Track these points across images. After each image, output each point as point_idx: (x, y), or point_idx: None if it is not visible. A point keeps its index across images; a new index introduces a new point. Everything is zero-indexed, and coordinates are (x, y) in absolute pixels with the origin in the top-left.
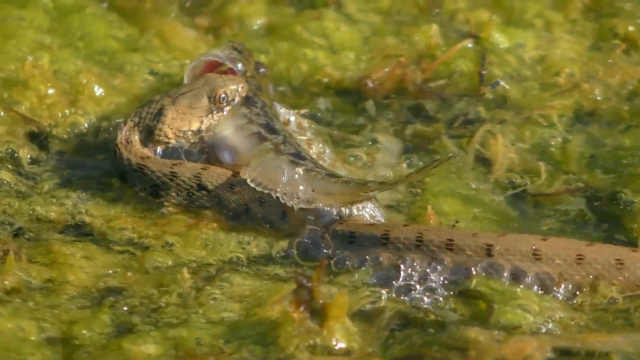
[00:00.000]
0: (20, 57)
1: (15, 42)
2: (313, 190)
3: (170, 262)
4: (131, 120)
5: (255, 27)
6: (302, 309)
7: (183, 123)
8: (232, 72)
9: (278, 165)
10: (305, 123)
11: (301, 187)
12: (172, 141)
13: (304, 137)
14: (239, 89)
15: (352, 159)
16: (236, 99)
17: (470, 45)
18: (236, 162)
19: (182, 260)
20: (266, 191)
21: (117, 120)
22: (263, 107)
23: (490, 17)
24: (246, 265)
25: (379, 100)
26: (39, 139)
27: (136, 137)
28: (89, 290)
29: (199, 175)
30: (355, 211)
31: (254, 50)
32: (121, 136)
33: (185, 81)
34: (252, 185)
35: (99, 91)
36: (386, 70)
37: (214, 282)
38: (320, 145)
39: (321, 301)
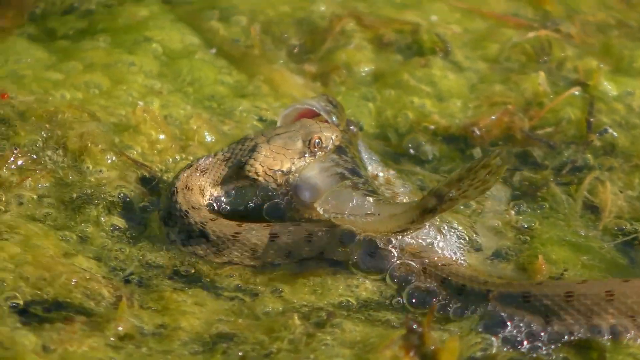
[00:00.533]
0: (130, 102)
1: (125, 87)
2: (379, 214)
3: (280, 308)
4: (206, 160)
5: (363, 73)
6: (412, 354)
7: (275, 162)
8: (325, 122)
9: (350, 196)
10: (394, 179)
11: (367, 212)
12: (260, 179)
13: (390, 192)
14: (334, 137)
15: (460, 207)
16: (329, 146)
17: (578, 93)
18: (315, 199)
19: (293, 305)
20: (332, 216)
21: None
22: (352, 157)
23: (599, 65)
24: (356, 310)
25: (486, 147)
26: (150, 184)
27: (198, 183)
28: (200, 336)
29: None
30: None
31: (360, 98)
32: (180, 182)
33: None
34: (322, 212)
35: (209, 137)
36: (493, 117)
37: (325, 328)
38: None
39: (432, 347)
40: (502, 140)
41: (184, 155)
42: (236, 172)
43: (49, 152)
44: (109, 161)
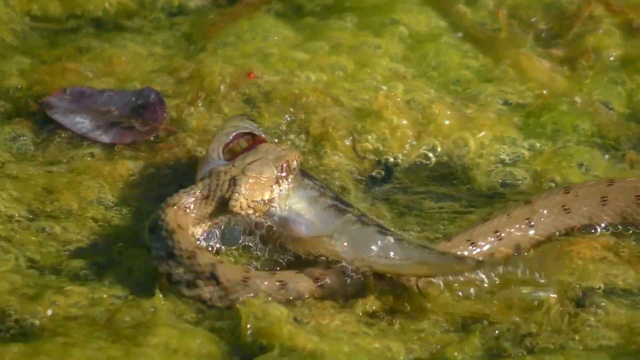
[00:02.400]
0: (374, 86)
1: (369, 71)
2: (408, 259)
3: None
4: (187, 198)
5: (611, 58)
6: None
7: (256, 193)
8: (262, 141)
9: (367, 235)
10: None
11: (394, 255)
12: (243, 212)
13: None
14: (297, 157)
15: None
16: (296, 167)
17: None
18: (313, 234)
19: (549, 287)
20: (357, 262)
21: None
22: (321, 180)
23: None
24: (619, 295)
25: None
26: (376, 170)
27: (187, 222)
28: (451, 317)
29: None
30: None
31: (609, 82)
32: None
33: (215, 156)
34: (342, 256)
35: (447, 121)
36: None
37: (588, 309)
38: None
39: None
40: None
41: (422, 141)
42: (218, 209)
43: (291, 136)
44: (346, 146)
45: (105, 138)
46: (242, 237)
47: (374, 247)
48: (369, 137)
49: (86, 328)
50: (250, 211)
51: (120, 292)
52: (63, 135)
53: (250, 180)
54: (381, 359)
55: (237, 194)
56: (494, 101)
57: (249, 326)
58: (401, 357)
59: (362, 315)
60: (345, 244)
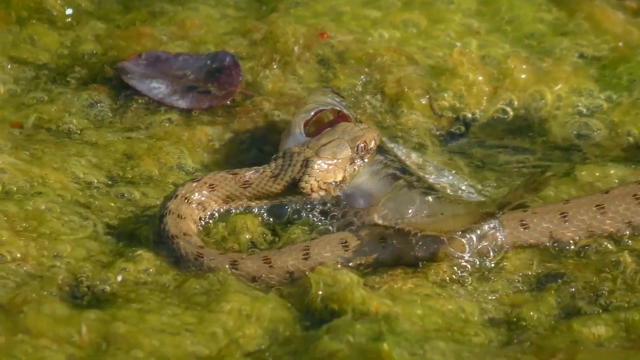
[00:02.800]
0: (448, 42)
1: (443, 27)
2: (442, 214)
3: (610, 247)
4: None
5: None
6: None
7: (329, 175)
8: (344, 117)
9: (410, 198)
10: (422, 161)
11: (429, 212)
12: (314, 194)
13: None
14: (375, 137)
15: None
16: (373, 147)
17: None
18: (370, 205)
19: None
20: (393, 223)
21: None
22: (395, 155)
23: None
24: None
25: None
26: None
27: (188, 211)
28: (525, 276)
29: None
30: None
31: None
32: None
33: (297, 131)
34: (380, 222)
35: (523, 75)
36: None
37: None
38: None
39: None
40: None
41: (498, 96)
42: (286, 189)
43: (367, 97)
44: (422, 105)
45: (182, 103)
46: (289, 213)
47: (411, 208)
48: (445, 94)
49: (158, 294)
50: (322, 192)
51: None
52: (140, 101)
53: (323, 163)
54: (455, 321)
55: (307, 176)
56: (569, 54)
57: (319, 292)
58: (475, 318)
59: (434, 279)
60: (387, 210)
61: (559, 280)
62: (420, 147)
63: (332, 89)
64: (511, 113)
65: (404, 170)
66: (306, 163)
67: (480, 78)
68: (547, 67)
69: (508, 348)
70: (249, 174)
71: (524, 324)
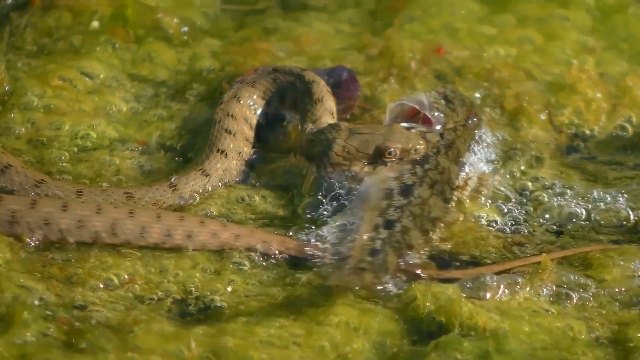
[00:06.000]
0: (564, 59)
1: (559, 44)
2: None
3: None
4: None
5: None
6: None
7: (345, 162)
8: (428, 121)
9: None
10: (491, 179)
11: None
12: (336, 168)
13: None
14: (413, 150)
15: None
16: (404, 158)
17: None
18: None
19: None
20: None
21: None
22: (429, 168)
23: None
24: None
25: None
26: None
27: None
28: (628, 292)
29: None
30: None
31: None
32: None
33: (387, 120)
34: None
35: None
36: None
37: None
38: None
39: None
40: None
41: (617, 114)
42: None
43: (487, 109)
44: (542, 120)
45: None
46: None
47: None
48: (564, 110)
49: (265, 306)
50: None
51: (300, 270)
52: None
53: (345, 149)
54: (563, 339)
55: (330, 152)
56: None
57: (427, 304)
58: (582, 336)
59: (541, 291)
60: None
61: None
62: (536, 160)
63: (447, 92)
64: (630, 130)
65: (407, 190)
66: (329, 144)
67: (599, 95)
68: None
69: None
70: None
71: (632, 345)
